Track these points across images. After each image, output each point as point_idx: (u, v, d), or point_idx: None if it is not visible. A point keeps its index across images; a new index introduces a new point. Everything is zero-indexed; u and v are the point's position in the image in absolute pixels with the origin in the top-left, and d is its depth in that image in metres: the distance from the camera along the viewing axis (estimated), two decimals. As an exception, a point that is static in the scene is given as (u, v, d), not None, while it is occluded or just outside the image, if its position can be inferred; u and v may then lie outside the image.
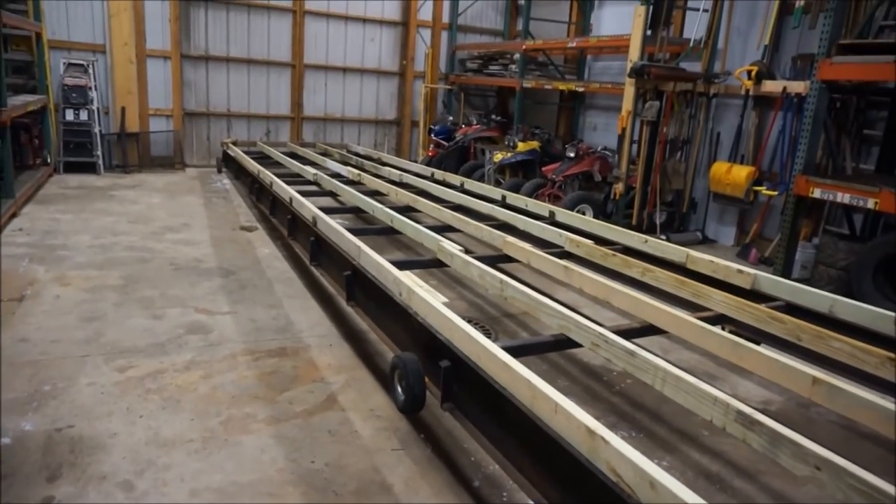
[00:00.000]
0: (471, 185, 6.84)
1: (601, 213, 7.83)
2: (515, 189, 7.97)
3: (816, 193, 5.21)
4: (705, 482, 2.90)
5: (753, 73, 6.59)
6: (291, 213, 5.24)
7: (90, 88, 9.16)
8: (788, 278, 5.76)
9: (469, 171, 9.46)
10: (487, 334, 4.45)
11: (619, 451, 1.64)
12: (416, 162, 10.29)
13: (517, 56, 9.98)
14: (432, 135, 10.61)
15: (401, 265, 3.68)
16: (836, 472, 1.67)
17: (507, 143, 9.10)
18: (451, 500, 2.66)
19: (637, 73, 6.86)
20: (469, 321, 4.68)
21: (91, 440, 2.88)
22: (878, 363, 2.51)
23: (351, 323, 4.43)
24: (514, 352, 2.66)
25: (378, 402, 3.41)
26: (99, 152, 9.37)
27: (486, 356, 2.27)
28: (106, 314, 4.33)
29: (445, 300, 2.78)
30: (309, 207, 4.78)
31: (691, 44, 7.35)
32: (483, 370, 2.31)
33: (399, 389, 2.85)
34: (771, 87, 6.40)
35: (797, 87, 6.08)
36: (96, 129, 9.28)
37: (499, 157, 8.70)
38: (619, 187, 7.49)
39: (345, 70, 11.50)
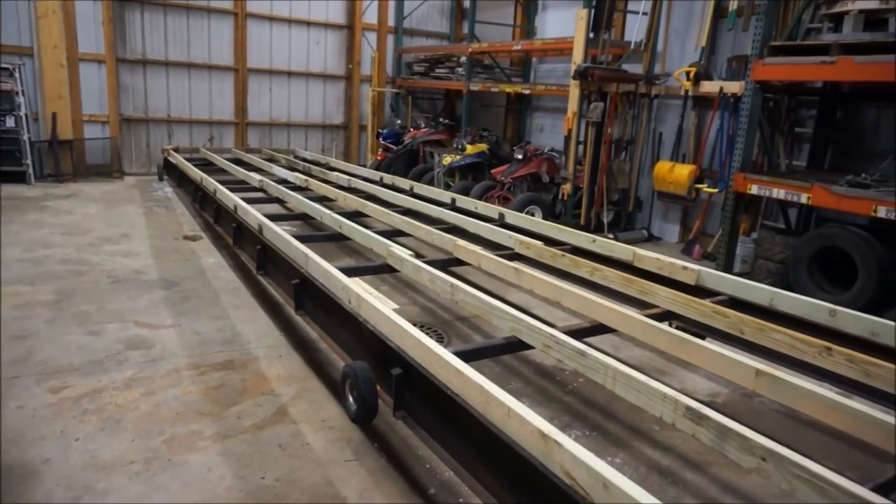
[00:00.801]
0: (420, 188, 6.81)
1: (550, 214, 7.91)
2: (465, 192, 7.98)
3: (754, 190, 5.40)
4: (658, 477, 2.93)
5: (692, 75, 6.79)
6: (236, 220, 5.10)
7: (17, 93, 8.71)
8: (730, 272, 5.95)
9: (418, 174, 9.42)
10: (440, 339, 4.43)
11: (573, 454, 1.63)
12: (364, 166, 10.21)
13: (464, 59, 10.02)
14: (381, 139, 10.54)
15: (350, 272, 3.62)
16: (780, 462, 1.71)
17: (455, 145, 9.10)
18: (407, 510, 2.61)
19: (581, 75, 6.97)
20: (421, 326, 4.67)
21: (22, 468, 2.70)
22: (816, 353, 2.60)
23: (301, 332, 4.33)
24: (466, 356, 2.65)
25: (330, 413, 3.33)
26: (28, 161, 8.91)
27: (437, 362, 2.24)
28: (38, 332, 4.10)
29: (396, 306, 2.74)
30: (254, 215, 4.66)
31: (632, 46, 7.52)
32: (435, 377, 2.27)
33: (351, 399, 2.79)
34: (708, 87, 6.60)
35: (733, 87, 6.29)
36: (25, 137, 8.83)
37: (448, 160, 8.70)
38: (566, 188, 7.59)
39: (290, 74, 11.30)
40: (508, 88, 9.26)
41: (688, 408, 1.96)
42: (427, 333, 4.54)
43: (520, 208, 7.32)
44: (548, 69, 10.41)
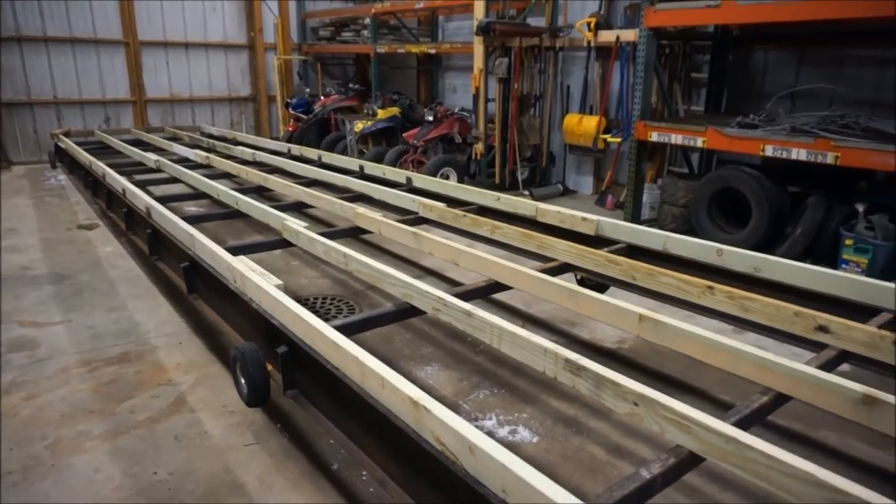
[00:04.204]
0: (329, 157, 6.60)
1: (466, 175, 7.88)
2: (379, 158, 7.83)
3: (654, 137, 5.50)
4: (563, 427, 2.98)
5: (592, 25, 6.80)
6: (126, 205, 4.79)
7: None
8: (638, 220, 6.11)
9: (331, 143, 9.17)
10: (352, 310, 4.34)
11: (440, 419, 1.60)
12: (276, 139, 9.83)
13: (368, 21, 9.70)
14: (290, 109, 10.16)
15: (240, 249, 3.46)
16: (650, 405, 1.73)
17: (366, 111, 8.88)
18: (308, 489, 2.55)
19: (483, 30, 6.86)
20: (332, 299, 4.56)
21: None
22: (700, 293, 2.67)
23: (203, 316, 4.14)
24: (356, 327, 2.58)
25: (232, 398, 3.19)
26: None
27: (317, 337, 2.15)
28: None
29: (279, 283, 2.62)
30: (142, 198, 4.38)
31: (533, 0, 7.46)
32: (316, 352, 2.19)
33: (242, 382, 2.66)
34: (606, 37, 6.64)
35: (629, 35, 6.34)
36: None
37: (359, 126, 8.47)
38: (478, 147, 7.55)
39: (187, 45, 10.68)
40: (415, 49, 9.05)
41: (567, 360, 1.96)
42: (338, 306, 4.46)
43: (433, 171, 7.23)
44: (455, 27, 10.24)
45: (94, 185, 6.30)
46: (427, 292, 2.55)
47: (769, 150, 4.68)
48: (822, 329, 2.28)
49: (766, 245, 4.97)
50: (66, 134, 8.66)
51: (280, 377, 2.52)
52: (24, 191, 7.97)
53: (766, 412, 1.91)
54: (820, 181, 5.00)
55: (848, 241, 4.49)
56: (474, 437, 1.50)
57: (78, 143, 7.82)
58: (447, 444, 1.59)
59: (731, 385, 3.33)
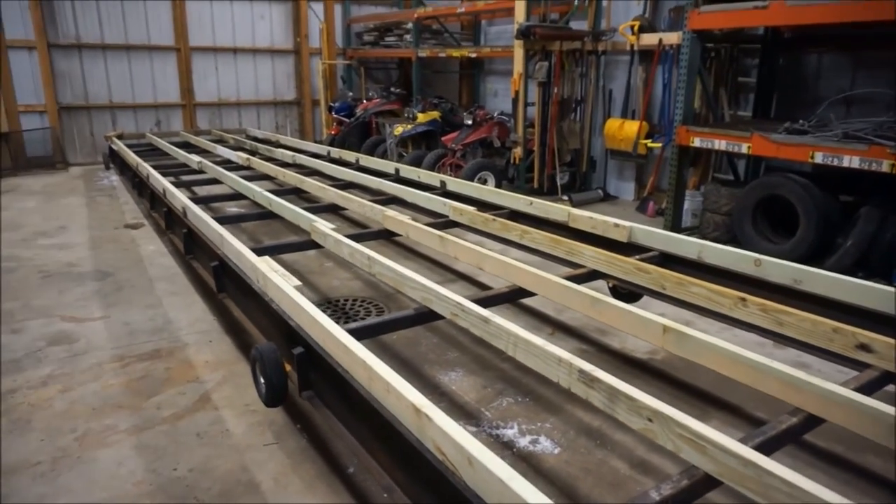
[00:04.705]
0: (366, 161, 6.64)
1: (504, 179, 7.81)
2: (417, 161, 7.84)
3: (696, 143, 5.32)
4: (586, 439, 2.89)
5: (636, 28, 6.65)
6: (166, 205, 4.91)
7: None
8: (679, 228, 5.92)
9: (372, 146, 9.23)
10: (381, 312, 4.33)
11: (442, 429, 1.55)
12: (320, 142, 9.97)
13: (411, 25, 9.75)
14: (333, 112, 10.28)
15: (267, 250, 3.49)
16: (665, 422, 1.64)
17: (406, 115, 8.90)
18: (323, 491, 2.54)
19: (523, 34, 6.79)
20: (362, 301, 4.57)
21: (-86, 477, 2.58)
22: (732, 304, 2.54)
23: (233, 315, 4.19)
24: (372, 330, 2.55)
25: (255, 397, 3.17)
26: (-38, 157, 8.58)
27: (329, 340, 2.13)
28: (-47, 334, 3.93)
29: (297, 283, 2.62)
30: (179, 198, 4.48)
31: (576, 2, 7.33)
32: (329, 355, 2.17)
33: (261, 382, 2.67)
34: (649, 39, 6.47)
35: (672, 38, 6.16)
36: (-44, 132, 8.48)
37: (399, 129, 8.51)
38: (517, 151, 7.46)
39: (235, 51, 10.95)
40: (456, 53, 9.04)
41: (581, 371, 1.88)
42: (367, 308, 4.46)
43: (471, 175, 7.20)
44: (498, 31, 10.18)
45: (139, 186, 6.50)
46: (446, 297, 2.51)
47: (819, 157, 4.46)
48: (864, 348, 2.13)
49: (814, 257, 4.73)
50: (119, 136, 8.98)
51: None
52: (78, 190, 8.28)
53: (795, 435, 1.79)
54: (874, 190, 4.74)
55: (903, 254, 4.24)
56: (474, 449, 1.45)
57: (129, 145, 8.10)
58: (448, 454, 1.54)
59: (767, 401, 3.16)
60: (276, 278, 2.66)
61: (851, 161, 4.33)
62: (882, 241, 4.46)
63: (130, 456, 2.75)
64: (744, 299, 2.50)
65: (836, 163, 4.38)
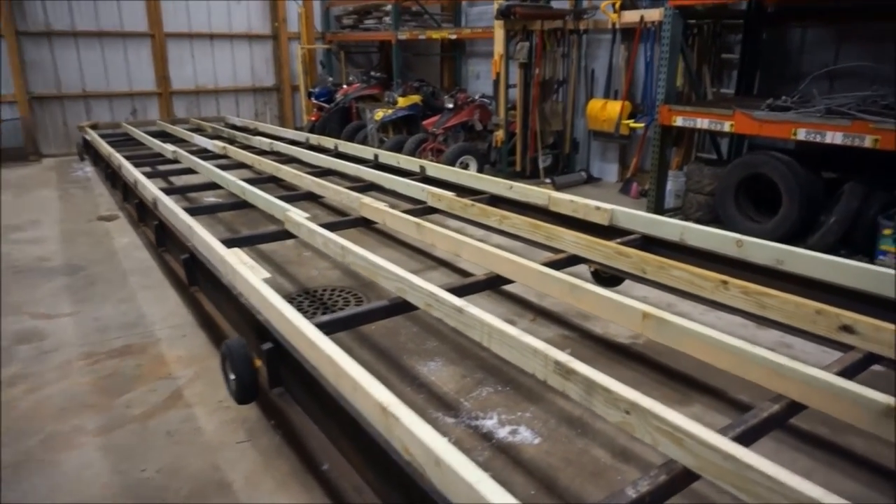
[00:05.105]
0: (345, 147, 6.50)
1: (486, 163, 7.70)
2: (398, 146, 7.71)
3: (679, 122, 5.23)
4: (567, 428, 2.82)
5: (617, 5, 6.53)
6: (137, 196, 4.78)
7: None
8: (662, 209, 5.86)
9: (352, 132, 9.08)
10: (360, 301, 4.24)
11: (409, 430, 1.46)
12: (300, 129, 9.79)
13: (390, 7, 9.55)
14: (313, 98, 10.10)
15: (239, 241, 3.39)
16: (643, 414, 1.56)
17: (387, 99, 8.75)
18: (296, 489, 2.46)
19: (503, 14, 6.66)
20: (341, 291, 4.47)
21: None
22: (713, 287, 2.47)
23: (207, 309, 4.09)
24: (342, 324, 2.46)
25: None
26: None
27: (296, 335, 2.04)
28: (-86, 336, 3.80)
29: (266, 275, 2.52)
30: (150, 189, 4.34)
31: (556, -20, 7.20)
32: (297, 350, 2.08)
33: (231, 378, 2.58)
34: (630, 17, 6.36)
35: (653, 14, 6.06)
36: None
37: (380, 114, 8.36)
38: (499, 135, 7.35)
39: (212, 37, 10.70)
40: (436, 35, 8.87)
41: (557, 362, 1.81)
42: (346, 298, 4.36)
43: (452, 159, 7.08)
44: (479, 12, 10.00)
45: (112, 177, 6.34)
46: (420, 287, 2.42)
47: (801, 134, 4.39)
48: (847, 329, 2.07)
49: (797, 235, 4.69)
50: (94, 126, 8.77)
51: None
52: (51, 183, 8.09)
53: (778, 422, 1.73)
54: (858, 167, 4.68)
55: (886, 231, 4.19)
56: (441, 451, 1.36)
57: (104, 136, 7.91)
58: (415, 455, 1.46)
59: (750, 385, 3.11)
60: (244, 271, 2.56)
61: (834, 137, 4.27)
62: (865, 217, 4.41)
63: (97, 458, 2.66)
64: (725, 282, 2.43)
65: (818, 139, 4.32)
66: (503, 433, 2.79)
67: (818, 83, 5.14)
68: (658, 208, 5.68)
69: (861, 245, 4.43)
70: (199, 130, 8.81)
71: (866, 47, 5.43)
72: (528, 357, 1.92)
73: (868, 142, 4.11)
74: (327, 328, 2.22)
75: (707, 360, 1.98)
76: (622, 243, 3.16)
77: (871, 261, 4.31)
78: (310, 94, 10.25)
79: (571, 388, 1.78)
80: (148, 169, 6.36)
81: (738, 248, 2.92)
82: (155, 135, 8.10)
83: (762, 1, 5.76)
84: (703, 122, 5.05)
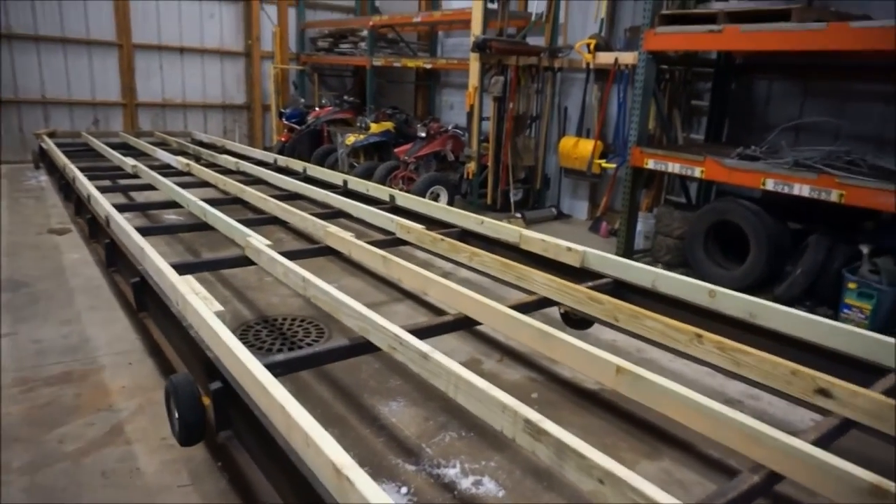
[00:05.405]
0: (313, 171, 6.37)
1: (457, 194, 7.64)
2: (369, 173, 7.60)
3: (650, 164, 5.26)
4: (533, 480, 2.69)
5: (592, 47, 6.60)
6: (90, 211, 4.54)
7: None
8: (631, 250, 5.85)
9: (322, 155, 8.95)
10: (321, 333, 4.06)
11: (364, 497, 1.32)
12: (269, 149, 9.61)
13: (366, 33, 9.53)
14: (284, 119, 9.95)
15: (194, 267, 3.22)
16: (617, 484, 1.45)
17: (359, 124, 8.66)
18: (239, 544, 2.27)
19: (479, 47, 6.66)
20: (302, 321, 4.29)
21: None
22: (688, 340, 2.40)
23: (158, 337, 3.86)
24: (300, 363, 2.31)
25: (174, 429, 2.93)
26: None
27: (247, 377, 1.88)
28: None
29: (219, 308, 2.36)
30: (103, 206, 4.13)
31: (533, 18, 7.26)
32: (247, 393, 1.92)
33: (176, 416, 2.39)
34: (604, 59, 6.43)
35: (627, 58, 6.13)
36: None
37: (351, 139, 8.25)
38: (471, 166, 7.31)
39: (182, 50, 10.48)
40: (411, 63, 8.86)
41: (527, 420, 1.69)
42: (307, 328, 4.18)
43: (423, 189, 7.00)
44: (454, 43, 10.06)
45: (66, 189, 6.07)
46: (383, 328, 2.29)
47: (770, 184, 4.44)
48: (823, 392, 2.01)
49: (764, 283, 4.71)
50: (52, 134, 8.44)
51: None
52: (1, 191, 7.71)
53: (756, 494, 1.64)
54: (823, 219, 4.75)
55: (851, 285, 4.23)
56: (398, 525, 1.23)
57: (63, 145, 7.60)
58: (370, 526, 1.32)
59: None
60: (195, 301, 2.39)
61: (802, 189, 4.33)
62: (830, 269, 4.46)
63: (20, 499, 2.42)
64: (700, 336, 2.37)
65: (786, 190, 4.37)
66: (466, 484, 2.65)
67: (784, 135, 5.24)
68: (628, 249, 5.67)
69: (826, 297, 4.47)
70: (163, 145, 8.57)
71: (829, 103, 5.58)
72: (495, 412, 1.81)
73: (834, 196, 4.16)
74: (281, 368, 2.07)
75: (682, 421, 1.89)
76: (593, 287, 3.10)
77: (836, 313, 4.34)
78: (281, 115, 10.10)
79: (541, 450, 1.66)
80: (107, 182, 6.12)
81: (711, 299, 2.88)
82: (116, 146, 7.83)
83: (731, 52, 5.88)
84: (674, 167, 5.08)
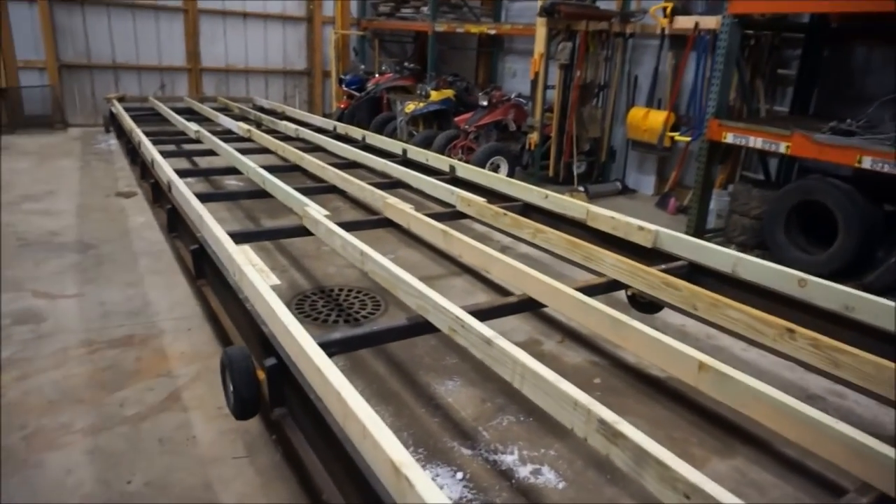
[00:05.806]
0: (372, 138, 6.26)
1: (518, 165, 7.41)
2: (428, 141, 7.45)
3: (729, 138, 4.90)
4: (595, 472, 2.55)
5: (668, 10, 6.19)
6: (153, 176, 4.58)
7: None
8: (703, 229, 5.52)
9: (381, 123, 8.84)
10: (377, 306, 3.99)
11: (422, 497, 1.20)
12: (329, 116, 9.58)
13: (428, -3, 9.27)
14: (343, 85, 9.86)
15: (252, 236, 3.17)
16: (706, 501, 1.29)
17: (419, 92, 8.48)
18: (291, 521, 2.22)
19: (547, 11, 6.35)
20: (358, 292, 4.23)
21: None
22: (777, 335, 2.18)
23: (216, 306, 3.87)
24: (356, 343, 2.22)
25: (230, 398, 2.91)
26: (-45, 111, 8.25)
27: (302, 357, 1.79)
28: None
29: (276, 282, 2.28)
30: (166, 171, 4.14)
31: (606, -21, 6.86)
32: (302, 374, 1.84)
33: (231, 390, 2.35)
34: (683, 23, 6.01)
35: (709, 22, 5.70)
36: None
37: (410, 107, 8.09)
38: (533, 137, 7.05)
39: (245, 15, 10.51)
40: (474, 29, 8.58)
41: (601, 421, 1.54)
42: (363, 300, 4.12)
43: (483, 159, 6.81)
44: (520, 8, 9.67)
45: (133, 153, 6.17)
46: (444, 308, 2.16)
47: (867, 162, 4.04)
48: (939, 402, 1.77)
49: (852, 270, 4.34)
50: (121, 99, 8.63)
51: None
52: (74, 153, 7.96)
53: (864, 519, 1.44)
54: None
55: (953, 275, 3.84)
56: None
57: (130, 109, 7.75)
58: (429, 532, 1.20)
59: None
60: (251, 273, 2.32)
61: (903, 168, 3.92)
62: (929, 257, 4.07)
63: (82, 462, 2.45)
64: (791, 330, 2.14)
65: (886, 169, 3.97)
66: (524, 472, 2.53)
67: (884, 108, 4.77)
68: (699, 228, 5.35)
69: (922, 287, 4.08)
70: (226, 110, 8.64)
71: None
72: (565, 409, 1.66)
73: (941, 176, 3.76)
74: (337, 347, 1.98)
75: (774, 428, 1.70)
76: (666, 270, 2.88)
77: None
78: (341, 81, 10.02)
79: (617, 454, 1.51)
80: (171, 147, 6.20)
81: (801, 288, 2.62)
82: (181, 111, 7.94)
83: (826, 15, 5.38)
84: (756, 141, 4.71)
